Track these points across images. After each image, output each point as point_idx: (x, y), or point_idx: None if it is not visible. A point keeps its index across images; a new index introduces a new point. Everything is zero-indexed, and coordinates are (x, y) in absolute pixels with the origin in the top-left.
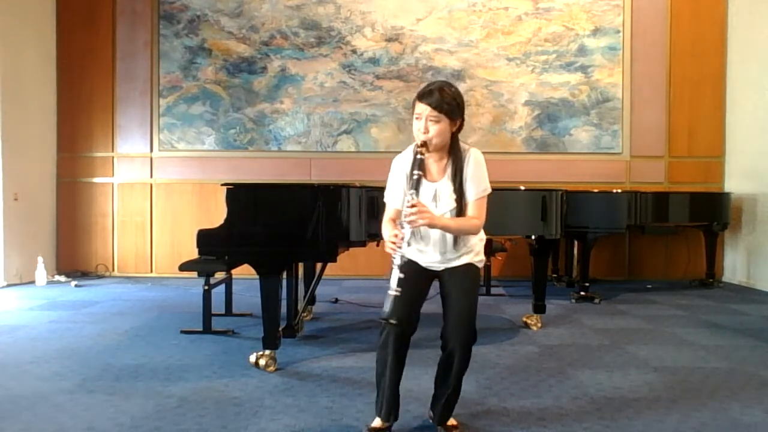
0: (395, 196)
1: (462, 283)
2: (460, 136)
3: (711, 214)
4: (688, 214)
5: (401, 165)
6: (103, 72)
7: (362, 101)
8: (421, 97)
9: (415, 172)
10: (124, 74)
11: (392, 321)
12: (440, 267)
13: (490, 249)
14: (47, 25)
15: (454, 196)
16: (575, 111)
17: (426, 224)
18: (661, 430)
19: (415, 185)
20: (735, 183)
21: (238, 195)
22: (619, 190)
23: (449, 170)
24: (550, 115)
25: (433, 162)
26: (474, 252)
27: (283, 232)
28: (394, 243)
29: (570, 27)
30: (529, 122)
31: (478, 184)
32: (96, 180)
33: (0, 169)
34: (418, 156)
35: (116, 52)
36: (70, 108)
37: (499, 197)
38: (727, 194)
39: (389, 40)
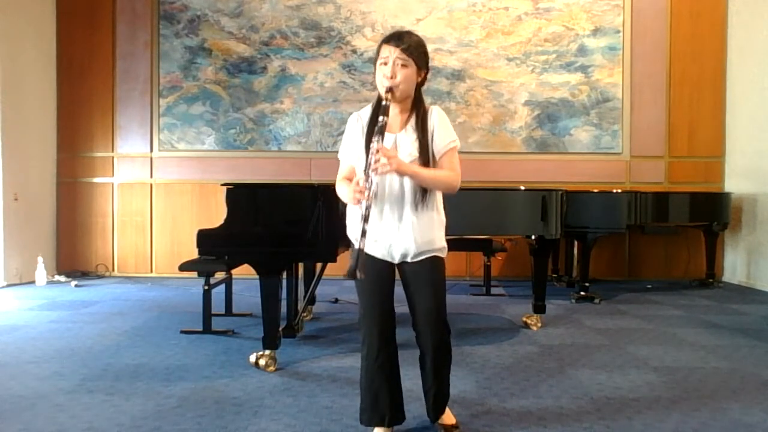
0: (350, 152)
1: (425, 276)
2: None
3: (711, 214)
4: (688, 214)
5: (357, 118)
6: (103, 72)
7: (362, 101)
8: (388, 40)
9: (381, 117)
10: (124, 74)
11: (358, 275)
12: (400, 253)
13: (490, 249)
14: (47, 25)
15: (416, 144)
16: (575, 111)
17: (393, 170)
18: (661, 430)
19: (381, 131)
20: (735, 183)
21: (238, 195)
22: (619, 190)
23: (412, 121)
24: (550, 115)
25: (394, 114)
26: (439, 240)
27: (283, 232)
28: (359, 192)
29: (570, 27)
30: (529, 122)
31: (445, 134)
32: (96, 180)
33: (0, 169)
34: (384, 103)
35: (116, 52)
36: (70, 108)
37: (499, 197)
38: (727, 194)
39: None
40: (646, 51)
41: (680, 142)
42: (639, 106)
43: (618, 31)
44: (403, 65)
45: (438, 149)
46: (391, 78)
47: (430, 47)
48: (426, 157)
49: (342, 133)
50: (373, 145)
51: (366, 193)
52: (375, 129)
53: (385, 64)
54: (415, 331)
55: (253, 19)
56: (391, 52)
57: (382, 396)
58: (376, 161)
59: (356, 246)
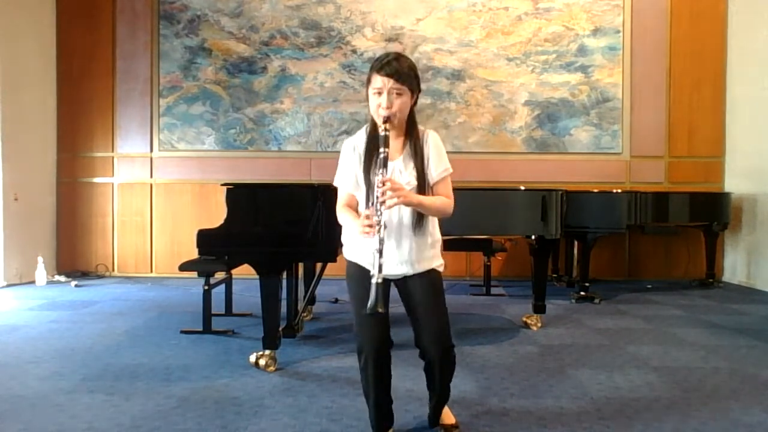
0: (348, 180)
1: (428, 292)
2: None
3: (711, 214)
4: (688, 214)
5: (353, 147)
6: (103, 72)
7: (362, 101)
8: (380, 69)
9: (382, 150)
10: (124, 74)
11: (380, 310)
12: (399, 274)
13: (490, 249)
14: (47, 25)
15: (414, 173)
16: (575, 111)
17: (401, 202)
18: (661, 430)
19: (384, 163)
20: (735, 183)
21: (238, 195)
22: (619, 190)
23: (408, 148)
24: (550, 115)
25: (390, 139)
26: (436, 257)
27: (283, 232)
28: (369, 226)
29: (570, 27)
30: (529, 122)
31: (440, 162)
32: (96, 180)
33: (0, 169)
34: (383, 133)
35: (116, 52)
36: (70, 108)
37: (499, 197)
38: (727, 194)
39: (389, 40)
40: (646, 51)
41: (680, 142)
42: (639, 106)
43: (618, 31)
44: (398, 94)
45: (433, 177)
46: (388, 108)
47: (430, 47)
48: (423, 185)
49: (342, 133)
50: (378, 178)
51: (377, 228)
52: (377, 161)
53: (379, 93)
54: (419, 348)
55: (253, 19)
56: (385, 83)
57: (381, 403)
58: (383, 194)
59: (374, 280)
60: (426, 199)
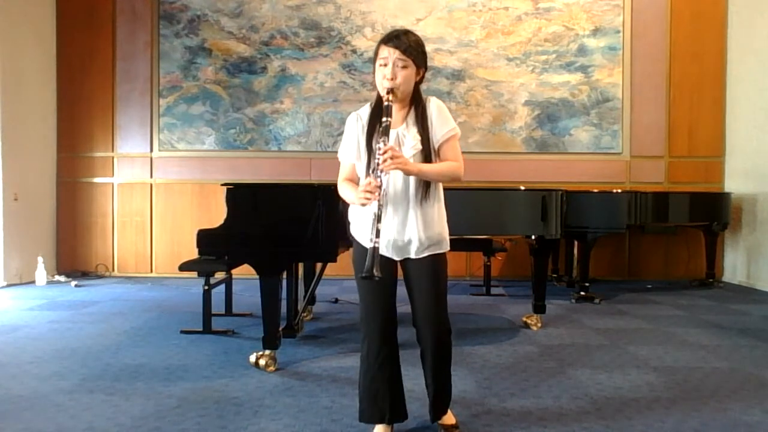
0: (351, 151)
1: (429, 273)
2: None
3: (711, 214)
4: (688, 214)
5: (357, 117)
6: (103, 72)
7: (362, 101)
8: (387, 41)
9: (384, 118)
10: (124, 74)
11: (376, 275)
12: (401, 254)
13: (490, 249)
14: (47, 25)
15: (418, 138)
16: (575, 111)
17: (399, 167)
18: (661, 430)
19: (386, 131)
20: (735, 183)
21: (238, 195)
22: (619, 190)
23: (412, 115)
24: (550, 115)
25: (394, 111)
26: (442, 238)
27: (283, 232)
28: (369, 192)
29: (570, 27)
30: (529, 122)
31: (444, 123)
32: (96, 180)
33: (0, 169)
34: (386, 104)
35: (116, 52)
36: (70, 108)
37: (499, 197)
38: (727, 194)
39: None
40: (646, 51)
41: (680, 142)
42: (639, 106)
43: (618, 31)
44: (403, 66)
45: (437, 138)
46: (392, 79)
47: (430, 47)
48: (428, 148)
49: (341, 133)
50: (380, 146)
51: (377, 193)
52: (379, 129)
53: (385, 65)
54: (415, 328)
55: (253, 19)
56: (390, 54)
57: (381, 394)
58: (384, 161)
59: (371, 245)
60: (426, 166)
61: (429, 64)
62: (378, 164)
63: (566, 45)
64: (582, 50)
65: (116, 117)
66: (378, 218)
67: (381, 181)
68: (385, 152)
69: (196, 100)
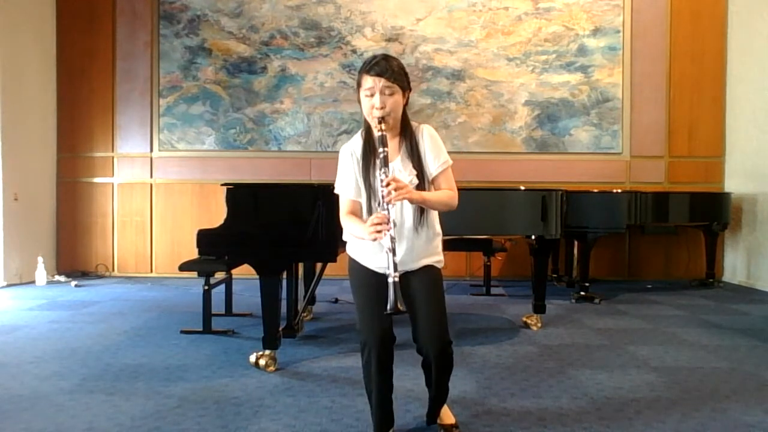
0: (349, 186)
1: (427, 288)
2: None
3: (711, 214)
4: (688, 214)
5: (351, 152)
6: (103, 72)
7: None
8: (370, 69)
9: (381, 150)
10: (124, 74)
11: (401, 309)
12: (399, 271)
13: (490, 249)
14: (47, 25)
15: (414, 172)
16: (575, 111)
17: (405, 198)
18: (661, 430)
19: (385, 162)
20: (735, 183)
21: (238, 195)
22: (619, 190)
23: (404, 147)
24: (550, 115)
25: (388, 139)
26: (436, 253)
27: (283, 232)
28: (379, 225)
29: (570, 27)
30: (529, 122)
31: (437, 155)
32: (96, 180)
33: (0, 169)
34: (379, 134)
35: (116, 52)
36: (70, 108)
37: (499, 197)
38: (727, 194)
39: (389, 40)
40: (646, 51)
41: (680, 142)
42: (639, 106)
43: (618, 31)
44: (390, 93)
45: (431, 171)
46: (381, 108)
47: (429, 47)
48: (424, 180)
49: (342, 133)
50: (381, 178)
51: (387, 227)
52: (377, 161)
53: (372, 95)
54: (417, 343)
55: (253, 19)
56: (376, 83)
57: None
58: (389, 193)
59: (390, 280)
60: (429, 195)
61: (429, 64)
62: (383, 197)
63: (566, 45)
64: (582, 50)
65: (116, 117)
66: (393, 252)
67: (389, 213)
68: (388, 184)
69: (196, 100)
